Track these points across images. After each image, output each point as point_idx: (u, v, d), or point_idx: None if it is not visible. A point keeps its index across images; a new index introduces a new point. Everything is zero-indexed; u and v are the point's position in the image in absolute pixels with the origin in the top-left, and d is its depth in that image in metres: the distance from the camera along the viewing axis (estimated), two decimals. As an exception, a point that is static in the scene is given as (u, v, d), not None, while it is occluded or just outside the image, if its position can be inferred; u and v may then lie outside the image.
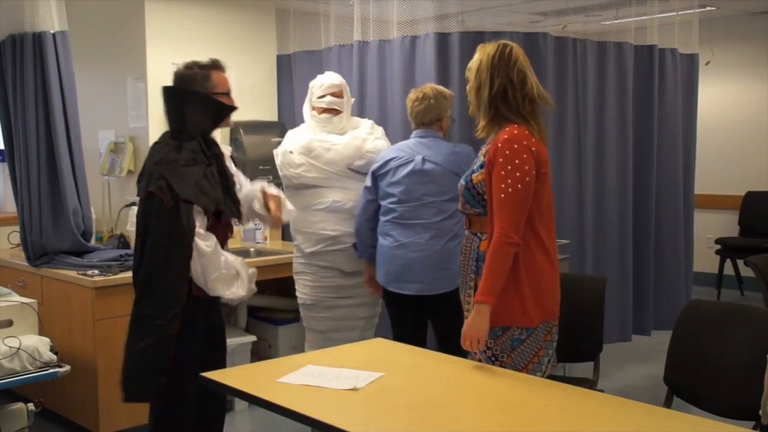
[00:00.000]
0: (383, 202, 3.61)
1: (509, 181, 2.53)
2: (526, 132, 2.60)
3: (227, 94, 2.99)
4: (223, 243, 2.95)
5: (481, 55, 2.70)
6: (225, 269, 2.88)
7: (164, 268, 2.75)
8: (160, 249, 2.75)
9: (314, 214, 3.81)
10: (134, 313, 2.80)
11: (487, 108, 2.65)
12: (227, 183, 2.96)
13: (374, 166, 3.66)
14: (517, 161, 2.54)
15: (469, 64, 2.75)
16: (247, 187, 3.23)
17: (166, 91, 2.95)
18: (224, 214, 2.92)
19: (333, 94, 3.84)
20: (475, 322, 2.53)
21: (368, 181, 3.67)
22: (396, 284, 3.48)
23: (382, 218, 3.60)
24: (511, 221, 2.53)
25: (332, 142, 3.80)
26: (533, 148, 2.58)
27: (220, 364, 3.01)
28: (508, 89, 2.63)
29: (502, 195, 2.53)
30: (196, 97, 2.89)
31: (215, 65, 2.97)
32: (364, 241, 3.69)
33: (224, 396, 3.09)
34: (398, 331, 3.62)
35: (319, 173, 3.79)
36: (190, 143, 2.85)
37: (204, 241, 2.82)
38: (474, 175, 2.69)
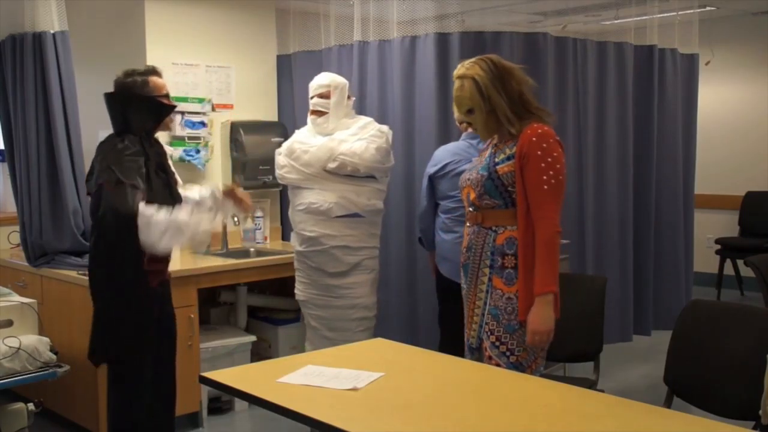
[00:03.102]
0: (445, 202, 3.73)
1: (551, 172, 2.58)
2: (552, 130, 2.66)
3: (166, 96, 3.24)
4: None
5: (471, 77, 2.66)
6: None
7: (120, 243, 2.98)
8: (113, 227, 2.97)
9: (297, 214, 3.90)
10: (107, 288, 3.05)
11: (512, 115, 2.65)
12: (168, 180, 3.20)
13: (431, 169, 3.76)
14: (555, 154, 2.60)
15: (462, 94, 2.68)
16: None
17: (109, 97, 3.22)
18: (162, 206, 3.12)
19: (320, 95, 3.87)
20: (545, 314, 2.57)
21: (425, 185, 3.79)
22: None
23: (444, 215, 3.73)
24: (556, 211, 2.60)
25: (310, 144, 3.83)
26: (560, 143, 2.65)
27: (171, 349, 3.31)
28: (522, 90, 2.68)
29: (545, 186, 2.58)
30: (137, 100, 3.15)
31: (153, 71, 3.23)
32: (430, 238, 3.85)
33: (173, 377, 3.33)
34: (451, 321, 3.65)
35: (299, 174, 3.84)
36: (130, 138, 3.11)
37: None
38: (499, 167, 2.67)
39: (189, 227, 3.06)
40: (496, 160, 2.70)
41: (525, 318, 2.62)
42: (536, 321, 2.58)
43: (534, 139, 2.59)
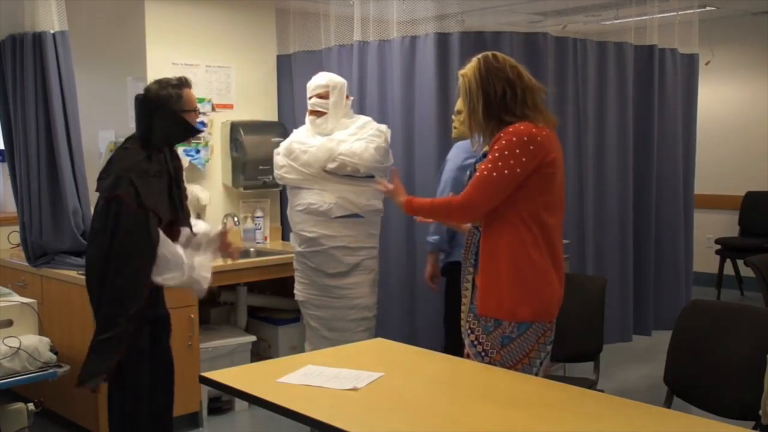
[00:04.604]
0: None
1: (490, 166, 2.54)
2: (533, 129, 2.56)
3: (195, 110, 3.26)
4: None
5: (466, 77, 2.66)
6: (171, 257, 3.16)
7: (127, 271, 3.00)
8: (125, 253, 3.00)
9: (296, 215, 3.88)
10: (101, 309, 3.05)
11: (487, 121, 2.62)
12: (181, 194, 3.24)
13: (473, 159, 3.67)
14: (506, 152, 2.53)
15: (458, 92, 2.72)
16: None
17: (140, 103, 3.20)
18: (178, 223, 3.20)
19: (319, 96, 3.85)
20: (396, 200, 2.93)
21: (467, 175, 3.69)
22: None
23: None
24: (476, 199, 2.57)
25: (309, 144, 3.82)
26: (532, 147, 2.53)
27: (166, 350, 3.30)
28: (507, 91, 2.60)
29: (477, 173, 2.58)
30: (168, 116, 3.15)
31: (185, 83, 3.22)
32: (450, 235, 3.77)
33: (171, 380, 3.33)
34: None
35: (298, 175, 3.83)
36: (158, 155, 3.13)
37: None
38: (478, 165, 2.68)
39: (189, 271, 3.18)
40: (478, 158, 2.73)
41: (484, 313, 2.61)
42: (395, 192, 2.93)
43: (501, 134, 2.57)
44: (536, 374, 2.63)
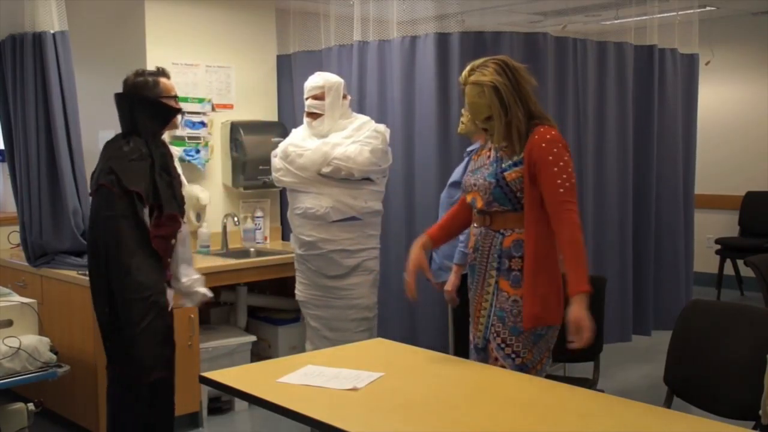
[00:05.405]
0: None
1: (564, 176, 2.59)
2: (554, 131, 2.65)
3: (174, 98, 3.28)
4: (171, 236, 3.19)
5: (492, 84, 2.60)
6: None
7: (137, 253, 3.01)
8: (129, 237, 3.02)
9: (295, 218, 3.88)
10: (122, 301, 3.03)
11: (524, 123, 2.64)
12: (171, 181, 3.21)
13: None
14: (566, 158, 2.62)
15: (481, 101, 2.63)
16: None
17: (118, 97, 3.23)
18: (165, 207, 3.15)
19: (314, 97, 3.82)
20: (586, 314, 2.55)
21: None
22: None
23: None
24: (575, 211, 2.60)
25: (305, 147, 3.80)
26: (567, 148, 2.65)
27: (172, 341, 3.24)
28: (531, 93, 2.67)
29: (561, 189, 2.59)
30: (146, 102, 3.18)
31: (162, 72, 3.27)
32: None
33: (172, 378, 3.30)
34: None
35: (294, 178, 3.83)
36: (136, 141, 3.13)
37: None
38: (507, 173, 2.65)
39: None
40: (503, 166, 2.67)
41: (530, 325, 2.62)
42: (583, 319, 2.53)
43: (543, 144, 2.59)
44: (546, 370, 2.69)
